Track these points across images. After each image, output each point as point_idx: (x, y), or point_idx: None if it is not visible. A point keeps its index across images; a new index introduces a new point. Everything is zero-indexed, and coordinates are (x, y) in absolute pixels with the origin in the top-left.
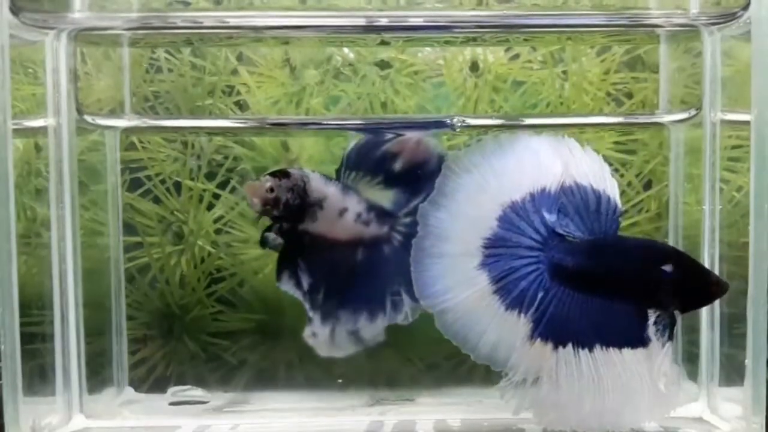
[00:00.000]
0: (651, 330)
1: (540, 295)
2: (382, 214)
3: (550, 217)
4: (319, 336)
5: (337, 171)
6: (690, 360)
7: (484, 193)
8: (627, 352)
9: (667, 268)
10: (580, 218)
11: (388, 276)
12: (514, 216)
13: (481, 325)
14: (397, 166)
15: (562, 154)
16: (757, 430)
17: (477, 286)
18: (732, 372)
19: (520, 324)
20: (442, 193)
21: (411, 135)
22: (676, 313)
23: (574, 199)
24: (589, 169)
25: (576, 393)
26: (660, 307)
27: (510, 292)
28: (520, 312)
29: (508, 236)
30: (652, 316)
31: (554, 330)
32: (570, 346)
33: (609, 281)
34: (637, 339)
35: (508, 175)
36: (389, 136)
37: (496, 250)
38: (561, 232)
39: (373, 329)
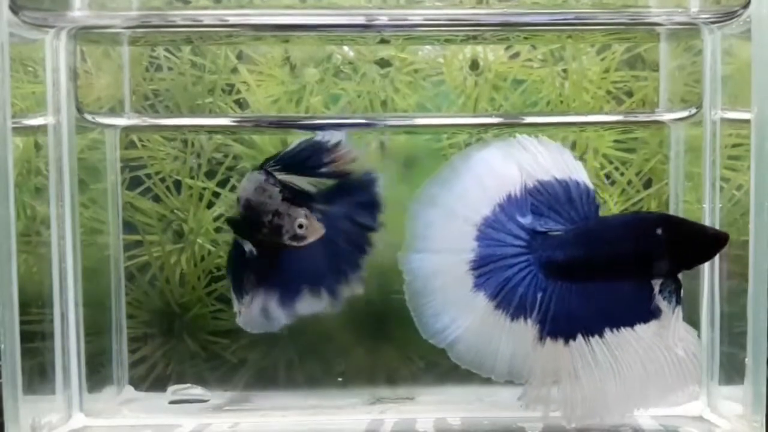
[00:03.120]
0: (659, 299)
1: (539, 295)
2: (297, 194)
3: (525, 220)
4: (251, 314)
5: (265, 160)
6: None
7: (454, 220)
8: (640, 328)
9: (660, 232)
10: (556, 212)
11: (307, 254)
12: (490, 231)
13: (492, 344)
14: (324, 168)
15: (516, 155)
16: (758, 429)
17: (477, 308)
18: (732, 370)
19: (528, 330)
20: (414, 236)
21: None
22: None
23: (543, 197)
24: (548, 162)
25: (597, 382)
26: (662, 274)
27: (510, 302)
28: (525, 318)
29: (492, 251)
30: (656, 285)
31: (561, 326)
32: (580, 337)
33: (603, 263)
34: (646, 312)
35: (471, 195)
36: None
37: (485, 269)
38: (542, 230)
39: (302, 303)
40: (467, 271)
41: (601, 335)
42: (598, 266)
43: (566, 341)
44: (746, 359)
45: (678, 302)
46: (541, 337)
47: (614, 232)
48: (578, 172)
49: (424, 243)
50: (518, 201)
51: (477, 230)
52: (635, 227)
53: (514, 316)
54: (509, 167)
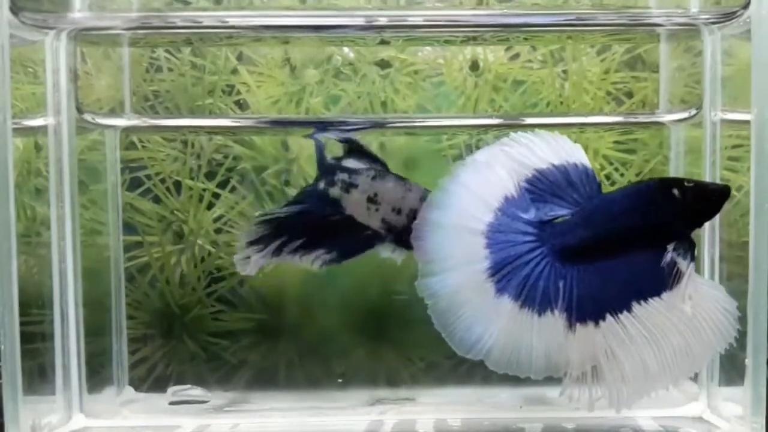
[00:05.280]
0: (677, 261)
1: (561, 284)
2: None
3: (529, 216)
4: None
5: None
6: None
7: (460, 236)
8: (666, 295)
9: (663, 196)
10: (559, 198)
11: None
12: (498, 235)
13: (526, 343)
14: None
15: (502, 159)
16: (758, 430)
17: (504, 312)
18: (732, 372)
19: (557, 321)
20: (426, 261)
21: None
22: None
23: (544, 185)
24: (543, 150)
25: (636, 357)
26: (673, 236)
27: (534, 298)
28: (551, 310)
29: (505, 254)
30: (670, 249)
31: (588, 309)
32: (608, 316)
33: (615, 238)
34: (668, 278)
35: (469, 207)
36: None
37: (503, 272)
38: (548, 218)
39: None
40: (486, 279)
41: (629, 310)
42: (610, 242)
43: (596, 323)
44: (746, 360)
45: (692, 259)
46: (571, 325)
47: (619, 205)
48: (574, 155)
49: (437, 265)
50: (516, 200)
51: (485, 239)
52: (638, 196)
53: (541, 311)
54: (498, 171)
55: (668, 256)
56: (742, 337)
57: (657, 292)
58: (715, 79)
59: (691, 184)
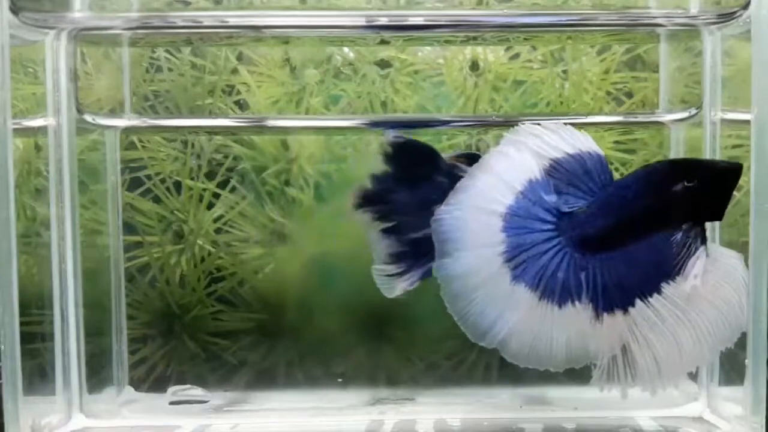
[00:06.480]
0: (689, 239)
1: (582, 275)
2: None
3: (551, 198)
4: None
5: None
6: None
7: (479, 217)
8: (690, 270)
9: (674, 177)
10: (575, 187)
11: None
12: (516, 219)
13: (545, 335)
14: None
15: (526, 141)
16: (758, 430)
17: (521, 302)
18: (732, 372)
19: (580, 312)
20: (442, 242)
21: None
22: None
23: (561, 174)
24: (557, 139)
25: (670, 338)
26: (689, 215)
27: (554, 290)
28: (572, 302)
29: (521, 240)
30: (685, 228)
31: (614, 297)
32: (638, 301)
33: (633, 223)
34: (692, 256)
35: (492, 189)
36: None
37: (519, 259)
38: (567, 209)
39: None
40: (502, 264)
41: (659, 292)
42: (628, 228)
43: (625, 310)
44: (746, 360)
45: (703, 242)
46: (598, 315)
47: (632, 191)
48: (587, 143)
49: (452, 245)
50: (540, 183)
51: (503, 221)
52: (649, 178)
53: (562, 303)
54: (524, 155)
55: (679, 235)
56: (742, 337)
57: (681, 270)
58: (715, 79)
59: (700, 163)
